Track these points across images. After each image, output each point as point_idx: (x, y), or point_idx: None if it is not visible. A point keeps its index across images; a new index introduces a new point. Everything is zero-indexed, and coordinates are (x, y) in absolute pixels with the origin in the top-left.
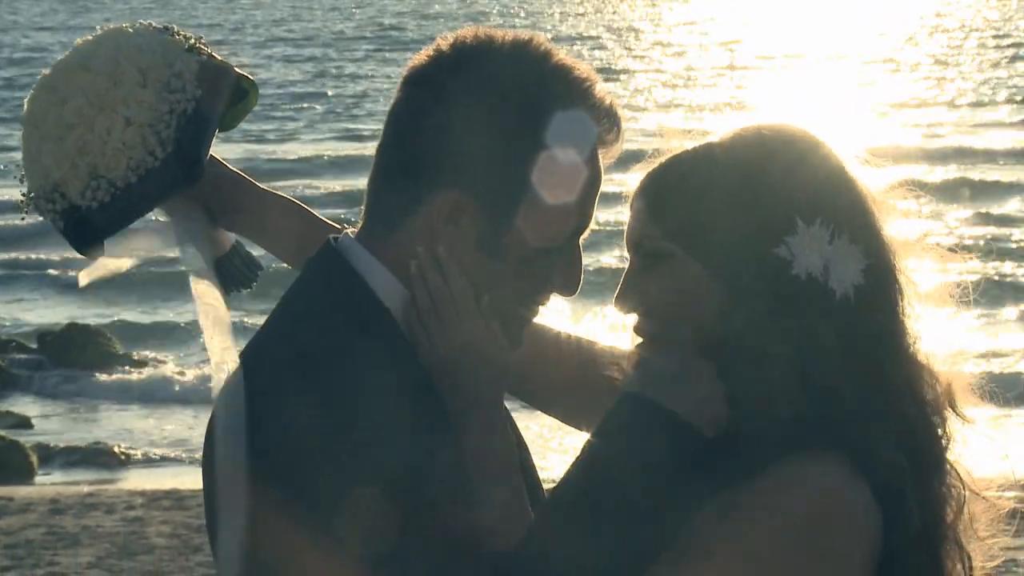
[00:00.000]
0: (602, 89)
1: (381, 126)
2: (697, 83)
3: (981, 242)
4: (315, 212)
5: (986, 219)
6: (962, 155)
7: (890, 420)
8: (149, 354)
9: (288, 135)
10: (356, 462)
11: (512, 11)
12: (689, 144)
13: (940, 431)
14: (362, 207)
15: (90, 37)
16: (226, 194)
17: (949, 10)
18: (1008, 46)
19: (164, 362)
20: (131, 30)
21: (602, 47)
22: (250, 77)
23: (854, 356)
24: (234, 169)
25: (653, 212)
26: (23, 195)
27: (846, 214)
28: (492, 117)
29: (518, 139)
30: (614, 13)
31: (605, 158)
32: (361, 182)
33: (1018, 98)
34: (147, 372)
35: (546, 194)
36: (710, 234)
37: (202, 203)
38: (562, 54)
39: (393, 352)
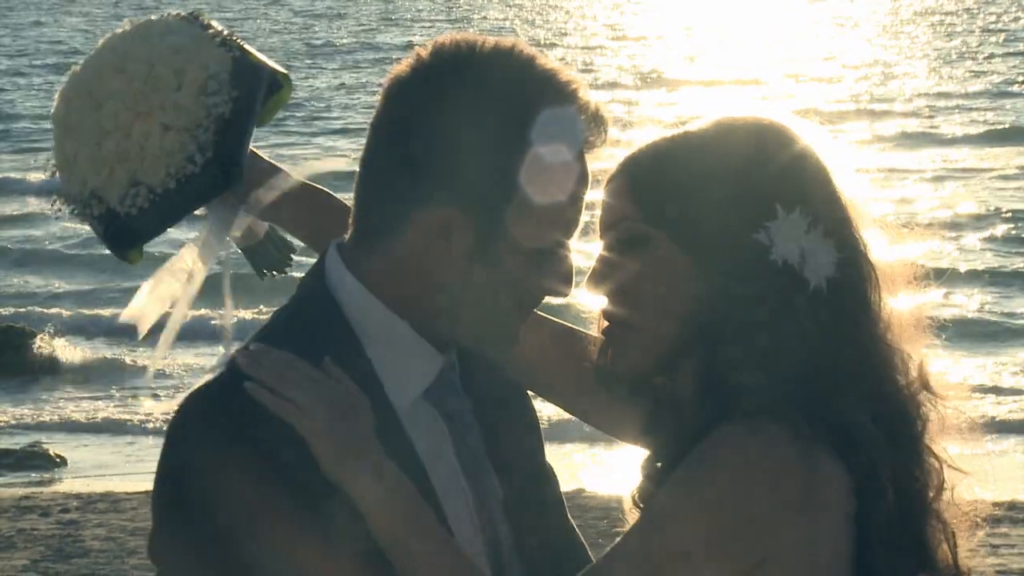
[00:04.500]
0: (587, 92)
1: None
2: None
3: None
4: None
5: None
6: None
7: (864, 398)
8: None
9: None
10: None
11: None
12: (665, 131)
13: (915, 414)
14: (351, 216)
15: (119, 31)
16: (258, 185)
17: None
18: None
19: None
20: (163, 25)
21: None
22: (283, 70)
23: (828, 340)
24: (271, 160)
25: (632, 195)
26: (57, 197)
27: (822, 207)
28: (478, 127)
29: (506, 147)
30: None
31: (591, 159)
32: None
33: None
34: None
35: (536, 195)
36: (693, 218)
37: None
38: (545, 58)
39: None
